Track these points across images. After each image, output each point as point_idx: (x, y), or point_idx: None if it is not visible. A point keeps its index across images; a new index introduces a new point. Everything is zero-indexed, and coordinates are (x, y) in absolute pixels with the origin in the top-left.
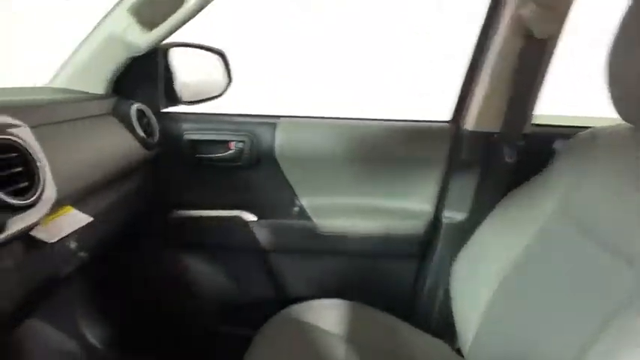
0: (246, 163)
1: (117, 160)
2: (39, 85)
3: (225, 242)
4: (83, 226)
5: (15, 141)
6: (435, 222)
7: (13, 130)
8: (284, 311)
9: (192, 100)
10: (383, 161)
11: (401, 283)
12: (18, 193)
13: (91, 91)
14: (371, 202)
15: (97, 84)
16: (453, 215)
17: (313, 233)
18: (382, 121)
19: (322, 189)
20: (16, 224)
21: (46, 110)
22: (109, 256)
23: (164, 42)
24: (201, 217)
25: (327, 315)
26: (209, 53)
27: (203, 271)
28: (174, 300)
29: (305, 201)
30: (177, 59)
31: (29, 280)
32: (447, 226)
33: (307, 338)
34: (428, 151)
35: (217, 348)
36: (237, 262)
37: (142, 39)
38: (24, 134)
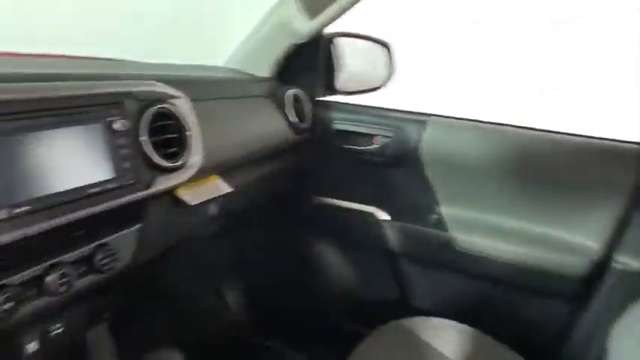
0: (389, 160)
1: (266, 139)
2: (216, 64)
3: (356, 235)
4: (225, 196)
5: (171, 110)
6: (603, 263)
7: (173, 101)
8: (399, 321)
9: (350, 90)
10: (546, 180)
11: (542, 325)
12: (169, 157)
13: (257, 74)
14: (523, 225)
15: (264, 67)
16: (629, 260)
17: (448, 246)
18: (551, 133)
19: (467, 200)
20: (163, 183)
21: (208, 86)
22: (246, 229)
23: (330, 31)
24: (337, 207)
25: (445, 336)
26: (374, 45)
27: (331, 260)
28: (300, 280)
29: (445, 210)
30: (341, 49)
31: (169, 236)
32: (619, 272)
33: (416, 356)
34: (608, 176)
35: (326, 337)
36: (364, 258)
37: (305, 27)
38: (181, 105)
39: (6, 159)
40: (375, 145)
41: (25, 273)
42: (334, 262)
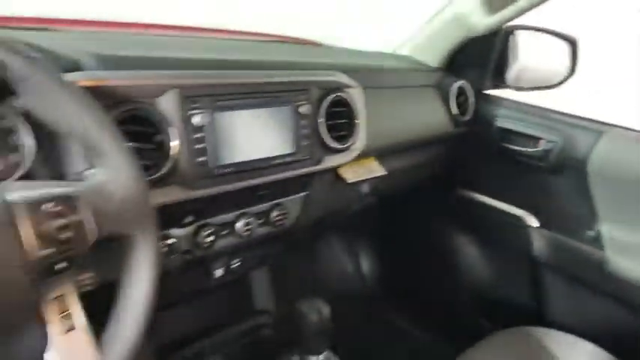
0: (551, 166)
1: (425, 129)
2: (386, 50)
3: (498, 234)
4: (378, 177)
5: (346, 98)
6: None
7: (348, 90)
8: (526, 328)
9: (522, 86)
10: None
11: None
12: (338, 139)
13: (427, 63)
14: None
15: (434, 57)
16: None
17: (601, 266)
18: None
19: (636, 223)
20: (330, 161)
21: (380, 75)
22: (391, 209)
23: (511, 23)
24: (483, 204)
25: (572, 354)
26: (556, 40)
27: (467, 252)
28: (433, 265)
29: (606, 228)
30: (517, 42)
31: (327, 205)
32: None
33: None
34: None
35: (450, 326)
36: (502, 258)
37: (482, 22)
38: (355, 94)
39: (219, 129)
40: (538, 149)
41: (223, 217)
42: (470, 255)
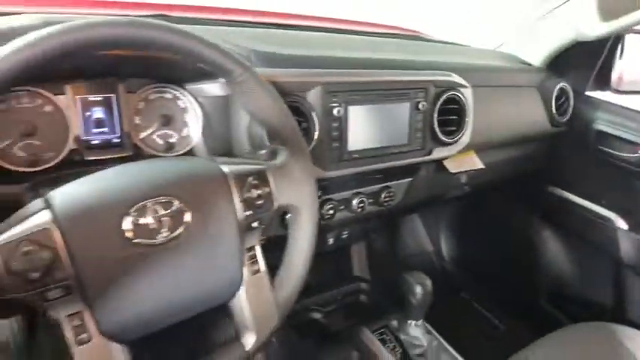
0: None
1: (524, 127)
2: (487, 47)
3: (583, 232)
4: (476, 170)
5: (459, 97)
6: None
7: (461, 89)
8: (604, 323)
9: (628, 89)
10: None
11: None
12: (447, 133)
13: (530, 61)
14: None
15: (538, 56)
16: None
17: None
18: None
19: None
20: (438, 153)
21: (488, 75)
22: (483, 199)
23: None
24: (572, 202)
25: None
26: None
27: (551, 245)
28: (514, 253)
29: None
30: (627, 45)
31: (428, 191)
32: None
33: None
34: None
35: (523, 314)
36: (586, 255)
37: (596, 28)
38: (466, 93)
39: (351, 120)
40: (636, 155)
41: (343, 194)
42: (553, 248)
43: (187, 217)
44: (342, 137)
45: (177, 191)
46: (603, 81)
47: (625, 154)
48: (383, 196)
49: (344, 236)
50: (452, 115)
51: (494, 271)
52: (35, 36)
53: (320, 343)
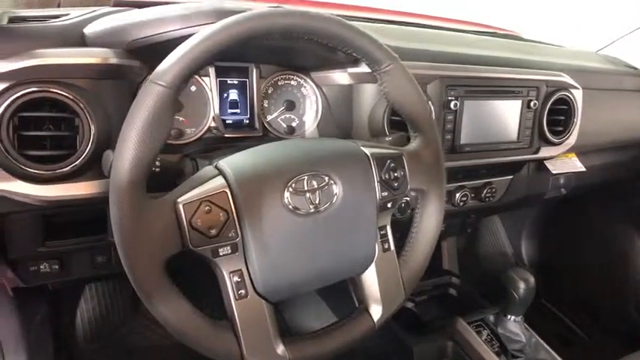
0: None
1: (628, 132)
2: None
3: None
4: (575, 172)
5: (569, 97)
6: None
7: (571, 90)
8: None
9: None
10: None
11: None
12: (554, 133)
13: (636, 66)
14: None
15: None
16: None
17: None
18: None
19: None
20: (544, 152)
21: (594, 77)
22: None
23: None
24: None
25: None
26: None
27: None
28: (607, 265)
29: None
30: None
31: (526, 191)
32: None
33: None
34: None
35: (617, 326)
36: None
37: None
38: (576, 94)
39: (465, 114)
40: None
41: (447, 187)
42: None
43: (337, 190)
44: (456, 130)
45: (330, 168)
46: None
47: None
48: (485, 191)
49: (442, 229)
50: (560, 115)
51: (579, 278)
52: (234, 18)
53: (414, 332)
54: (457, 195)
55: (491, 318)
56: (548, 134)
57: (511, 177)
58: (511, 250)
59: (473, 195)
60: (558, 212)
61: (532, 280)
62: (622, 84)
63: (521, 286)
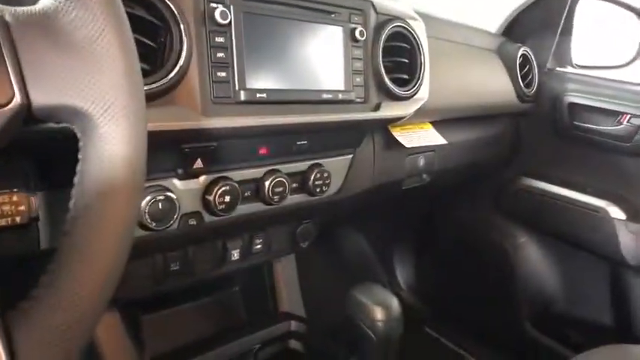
0: (638, 146)
1: (487, 97)
2: None
3: (572, 231)
4: (435, 152)
5: (408, 30)
6: None
7: (411, 22)
8: (617, 346)
9: (585, 65)
10: None
11: None
12: (398, 83)
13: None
14: None
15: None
16: None
17: None
18: None
19: None
20: (389, 110)
21: (443, 25)
22: (440, 191)
23: None
24: (553, 194)
25: None
26: (631, 15)
27: (530, 255)
28: (481, 268)
29: None
30: (586, 13)
31: (375, 176)
32: None
33: None
34: None
35: (512, 347)
36: (578, 261)
37: None
38: (418, 28)
39: (249, 38)
40: (621, 126)
41: (246, 172)
42: (534, 258)
43: None
44: (234, 64)
45: None
46: (564, 53)
47: (607, 128)
48: (313, 177)
49: (257, 246)
50: (402, 56)
51: (464, 293)
52: None
53: None
54: (267, 184)
55: None
56: (389, 83)
57: (350, 156)
58: (383, 273)
59: (295, 185)
60: (429, 217)
61: (395, 304)
62: (472, 40)
63: (379, 316)
